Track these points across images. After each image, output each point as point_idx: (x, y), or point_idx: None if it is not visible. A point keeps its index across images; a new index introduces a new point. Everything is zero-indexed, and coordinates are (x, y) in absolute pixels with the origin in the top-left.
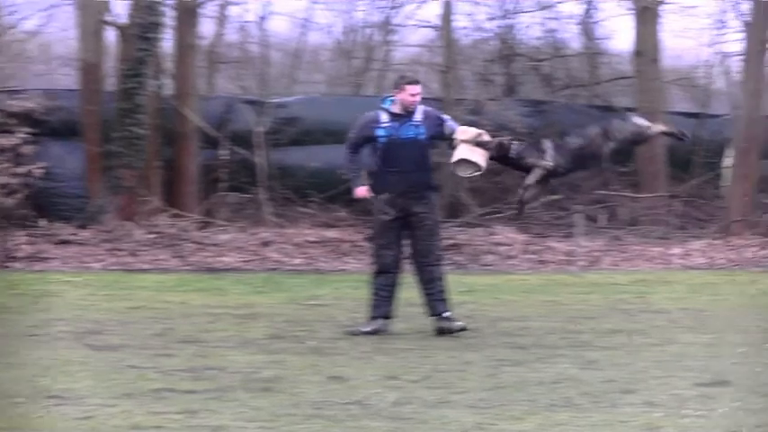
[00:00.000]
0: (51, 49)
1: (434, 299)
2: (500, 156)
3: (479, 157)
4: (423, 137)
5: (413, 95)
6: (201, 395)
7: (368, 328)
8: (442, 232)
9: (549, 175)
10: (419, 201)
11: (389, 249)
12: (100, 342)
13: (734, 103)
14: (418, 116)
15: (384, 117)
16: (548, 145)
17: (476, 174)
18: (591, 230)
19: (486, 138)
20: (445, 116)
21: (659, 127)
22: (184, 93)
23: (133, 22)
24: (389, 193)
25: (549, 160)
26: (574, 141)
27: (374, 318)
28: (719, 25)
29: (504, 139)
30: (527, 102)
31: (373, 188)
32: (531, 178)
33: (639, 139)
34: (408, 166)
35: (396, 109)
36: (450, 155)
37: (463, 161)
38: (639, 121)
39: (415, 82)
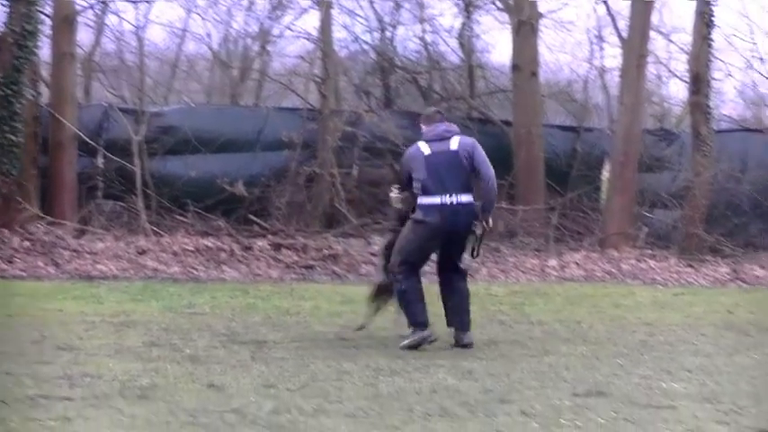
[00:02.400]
0: None
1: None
2: None
3: None
4: None
5: None
6: (78, 402)
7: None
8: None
9: None
10: None
11: None
12: None
13: (611, 118)
14: None
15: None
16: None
17: None
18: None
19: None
20: None
21: None
22: (61, 101)
23: (9, 30)
24: None
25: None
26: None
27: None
28: (597, 40)
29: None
30: (405, 114)
31: None
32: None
33: None
34: None
35: None
36: None
37: None
38: None
39: None
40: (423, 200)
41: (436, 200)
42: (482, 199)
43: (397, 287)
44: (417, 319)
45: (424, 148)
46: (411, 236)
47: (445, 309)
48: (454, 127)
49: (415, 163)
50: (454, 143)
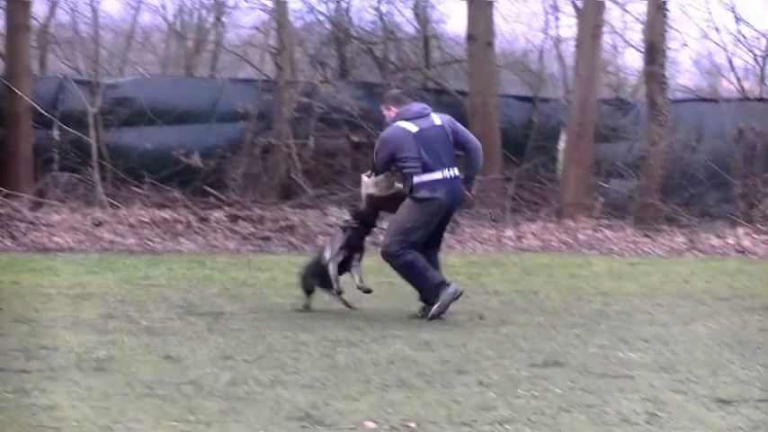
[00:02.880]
0: None
1: None
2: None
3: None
4: None
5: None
6: (34, 375)
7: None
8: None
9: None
10: None
11: None
12: None
13: (567, 88)
14: None
15: None
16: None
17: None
18: None
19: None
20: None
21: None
22: (16, 73)
23: None
24: None
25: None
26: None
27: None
28: (552, 10)
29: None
30: (360, 85)
31: None
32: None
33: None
34: None
35: None
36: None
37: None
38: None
39: (381, 101)
40: (425, 177)
41: (438, 175)
42: (471, 170)
43: (402, 260)
44: (437, 280)
45: (410, 126)
46: (417, 215)
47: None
48: (425, 104)
49: (404, 142)
50: (437, 119)
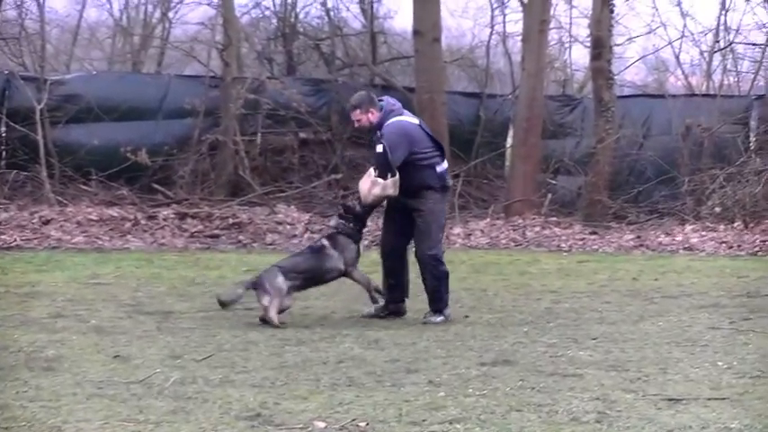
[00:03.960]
0: None
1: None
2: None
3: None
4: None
5: (355, 120)
6: None
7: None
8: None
9: None
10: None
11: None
12: None
13: (514, 84)
14: (378, 133)
15: None
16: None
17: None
18: None
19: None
20: (381, 141)
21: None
22: None
23: None
24: None
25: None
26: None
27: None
28: (499, 6)
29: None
30: (308, 81)
31: None
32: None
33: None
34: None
35: None
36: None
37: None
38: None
39: (352, 107)
40: (441, 167)
41: (446, 164)
42: None
43: (443, 268)
44: (447, 299)
45: (411, 119)
46: (442, 206)
47: (401, 282)
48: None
49: (416, 135)
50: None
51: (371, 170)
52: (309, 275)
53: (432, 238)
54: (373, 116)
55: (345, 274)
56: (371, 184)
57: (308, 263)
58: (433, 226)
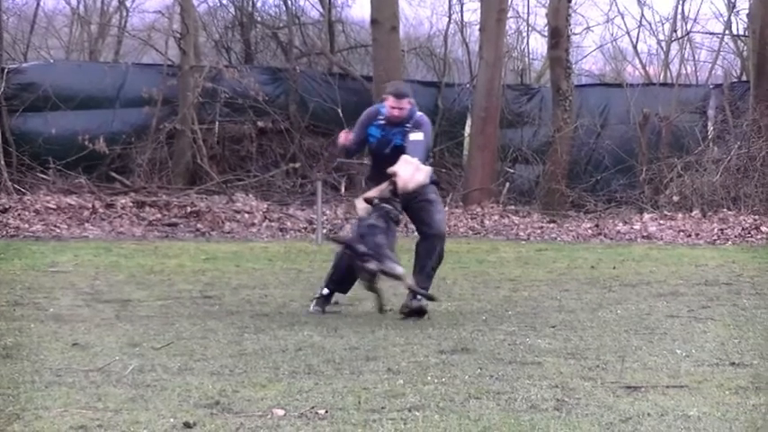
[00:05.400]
0: None
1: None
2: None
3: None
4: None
5: (392, 108)
6: None
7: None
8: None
9: None
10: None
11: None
12: None
13: (472, 73)
14: (410, 123)
15: (382, 116)
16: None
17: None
18: (332, 198)
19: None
20: (420, 129)
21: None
22: None
23: None
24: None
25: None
26: None
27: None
28: None
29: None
30: (265, 69)
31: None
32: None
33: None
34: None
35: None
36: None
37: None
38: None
39: (398, 95)
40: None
41: None
42: None
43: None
44: None
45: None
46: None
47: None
48: None
49: None
50: None
51: (407, 157)
52: None
53: (442, 220)
54: (411, 106)
55: None
56: (414, 170)
57: None
58: (441, 209)
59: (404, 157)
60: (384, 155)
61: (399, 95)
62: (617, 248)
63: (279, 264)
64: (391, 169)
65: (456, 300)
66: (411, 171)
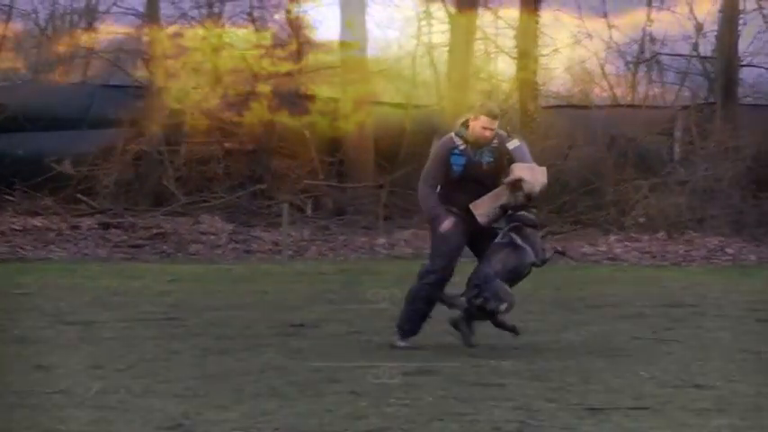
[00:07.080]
0: None
1: None
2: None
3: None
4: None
5: (485, 129)
6: None
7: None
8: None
9: None
10: None
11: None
12: None
13: (440, 94)
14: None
15: (460, 142)
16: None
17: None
18: (297, 220)
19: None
20: (510, 141)
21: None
22: None
23: None
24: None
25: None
26: None
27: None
28: (425, 16)
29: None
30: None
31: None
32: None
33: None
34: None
35: (468, 137)
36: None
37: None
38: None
39: (494, 116)
40: None
41: None
42: None
43: None
44: None
45: None
46: None
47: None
48: None
49: None
50: None
51: (521, 165)
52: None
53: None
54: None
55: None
56: (538, 173)
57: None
58: None
59: (518, 165)
60: (473, 176)
61: (494, 116)
62: (582, 270)
63: (243, 285)
64: (515, 176)
65: None
66: (535, 174)
